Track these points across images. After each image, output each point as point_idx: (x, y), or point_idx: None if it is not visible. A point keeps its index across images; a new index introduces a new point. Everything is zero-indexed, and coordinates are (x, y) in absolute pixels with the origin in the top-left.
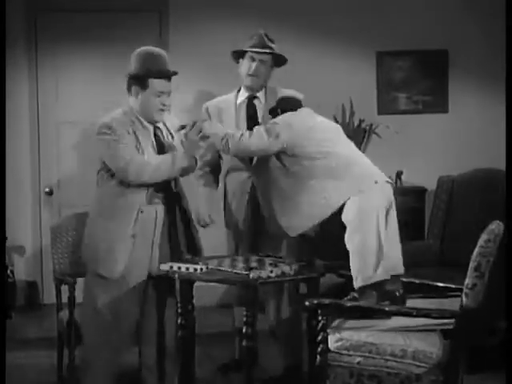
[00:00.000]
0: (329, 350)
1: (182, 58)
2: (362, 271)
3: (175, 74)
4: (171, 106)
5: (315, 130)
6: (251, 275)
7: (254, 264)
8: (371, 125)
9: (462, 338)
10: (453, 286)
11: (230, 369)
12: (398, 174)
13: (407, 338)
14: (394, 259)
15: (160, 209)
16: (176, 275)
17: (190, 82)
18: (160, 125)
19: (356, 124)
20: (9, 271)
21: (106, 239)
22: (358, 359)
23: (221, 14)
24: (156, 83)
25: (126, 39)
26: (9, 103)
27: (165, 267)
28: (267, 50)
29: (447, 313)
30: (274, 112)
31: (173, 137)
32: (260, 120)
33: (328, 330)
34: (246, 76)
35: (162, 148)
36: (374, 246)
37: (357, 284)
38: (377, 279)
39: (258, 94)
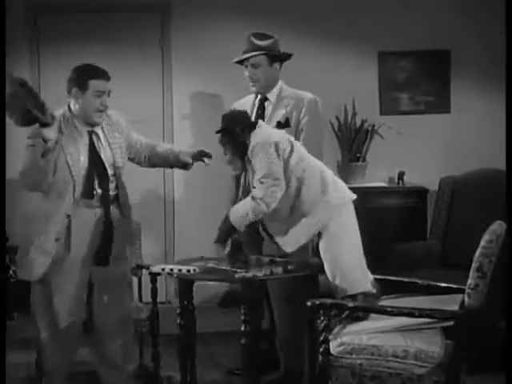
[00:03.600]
0: (331, 355)
1: (183, 58)
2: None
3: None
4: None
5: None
6: (237, 275)
7: (243, 264)
8: (373, 125)
9: (464, 339)
10: (455, 287)
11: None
12: (400, 175)
13: (408, 339)
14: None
15: (92, 212)
16: (174, 275)
17: (191, 83)
18: (99, 130)
19: (358, 124)
20: (11, 272)
21: (28, 241)
22: (360, 361)
23: (223, 15)
24: (96, 84)
25: (127, 40)
26: None
27: (156, 269)
28: (247, 55)
29: (449, 313)
30: (224, 133)
31: (108, 139)
32: (266, 121)
33: (329, 337)
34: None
35: (95, 155)
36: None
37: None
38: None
39: (268, 95)
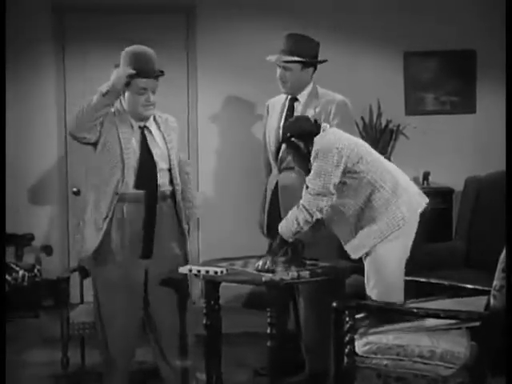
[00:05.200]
0: (356, 355)
1: (209, 59)
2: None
3: (158, 73)
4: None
5: (360, 145)
6: (264, 278)
7: (271, 266)
8: (398, 125)
9: (490, 340)
10: (479, 288)
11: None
12: (426, 175)
13: (434, 339)
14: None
15: (140, 207)
16: (201, 276)
17: (217, 84)
18: (152, 127)
19: (383, 124)
20: (36, 270)
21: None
22: (386, 362)
23: (248, 15)
24: (138, 81)
25: (152, 41)
26: (36, 103)
27: (184, 270)
28: (281, 58)
29: (475, 314)
30: (290, 141)
31: (164, 138)
32: None
33: (355, 336)
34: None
35: (146, 150)
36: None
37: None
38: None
39: (298, 96)
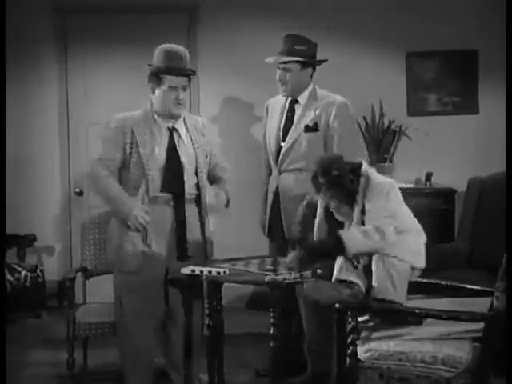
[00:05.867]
0: (358, 360)
1: (210, 60)
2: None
3: (189, 71)
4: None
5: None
6: (266, 278)
7: (273, 267)
8: (401, 126)
9: (492, 341)
10: (482, 289)
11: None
12: (428, 176)
13: (437, 345)
14: None
15: (168, 209)
16: (204, 276)
17: (218, 84)
18: (181, 129)
19: (386, 125)
20: (38, 271)
21: (119, 235)
22: (388, 366)
23: (250, 15)
24: (168, 78)
25: (153, 41)
26: (37, 104)
27: (186, 271)
28: (280, 59)
29: (477, 315)
30: (318, 183)
31: (191, 139)
32: (295, 123)
33: (357, 342)
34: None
35: (173, 152)
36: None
37: None
38: None
39: (298, 98)
